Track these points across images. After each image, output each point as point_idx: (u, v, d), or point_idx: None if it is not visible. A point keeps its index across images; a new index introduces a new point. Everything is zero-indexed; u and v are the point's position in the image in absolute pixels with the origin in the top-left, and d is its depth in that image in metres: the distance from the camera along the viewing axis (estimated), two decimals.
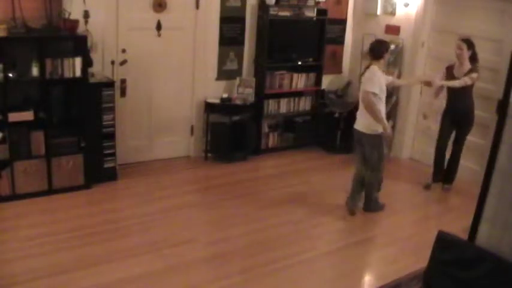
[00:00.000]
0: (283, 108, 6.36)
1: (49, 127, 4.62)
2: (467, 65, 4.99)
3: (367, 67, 4.58)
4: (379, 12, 6.38)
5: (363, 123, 4.55)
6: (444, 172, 5.43)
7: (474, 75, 4.91)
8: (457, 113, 5.18)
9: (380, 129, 4.48)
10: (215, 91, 5.87)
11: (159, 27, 5.38)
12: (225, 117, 5.78)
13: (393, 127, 6.33)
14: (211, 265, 3.85)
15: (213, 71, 5.87)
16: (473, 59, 5.03)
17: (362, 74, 4.62)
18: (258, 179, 5.59)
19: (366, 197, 4.81)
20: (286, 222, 4.53)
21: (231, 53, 5.93)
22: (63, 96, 4.77)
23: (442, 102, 5.33)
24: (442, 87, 5.19)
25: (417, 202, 5.22)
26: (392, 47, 6.13)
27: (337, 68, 6.80)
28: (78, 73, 4.58)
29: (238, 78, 5.96)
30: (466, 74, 4.94)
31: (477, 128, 5.47)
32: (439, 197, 5.33)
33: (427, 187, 5.45)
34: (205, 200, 4.99)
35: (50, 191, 4.70)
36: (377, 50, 4.54)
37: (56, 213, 4.44)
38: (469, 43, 5.00)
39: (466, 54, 4.97)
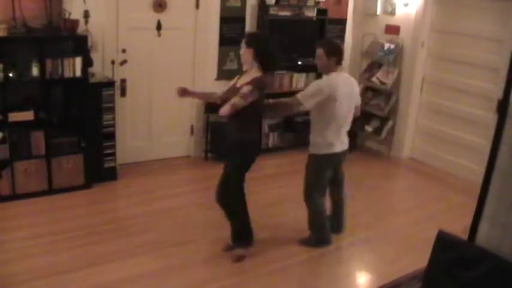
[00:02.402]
0: None
1: (49, 127, 4.62)
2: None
3: (337, 74, 3.81)
4: (379, 12, 6.38)
5: (347, 139, 4.05)
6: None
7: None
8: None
9: None
10: (215, 91, 5.85)
11: (159, 27, 5.38)
12: (225, 117, 5.76)
13: (393, 126, 6.34)
14: (211, 265, 3.85)
15: (213, 71, 5.87)
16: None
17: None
18: (258, 179, 5.58)
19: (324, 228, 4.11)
20: (286, 222, 4.53)
21: (231, 53, 5.92)
22: (63, 96, 4.77)
23: None
24: None
25: (417, 202, 5.22)
26: (392, 46, 6.15)
27: None
28: (78, 73, 4.58)
29: None
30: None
31: (477, 128, 5.48)
32: (439, 197, 5.33)
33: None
34: (205, 200, 4.97)
35: (50, 191, 4.70)
36: (341, 52, 3.87)
37: (56, 213, 4.44)
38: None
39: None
